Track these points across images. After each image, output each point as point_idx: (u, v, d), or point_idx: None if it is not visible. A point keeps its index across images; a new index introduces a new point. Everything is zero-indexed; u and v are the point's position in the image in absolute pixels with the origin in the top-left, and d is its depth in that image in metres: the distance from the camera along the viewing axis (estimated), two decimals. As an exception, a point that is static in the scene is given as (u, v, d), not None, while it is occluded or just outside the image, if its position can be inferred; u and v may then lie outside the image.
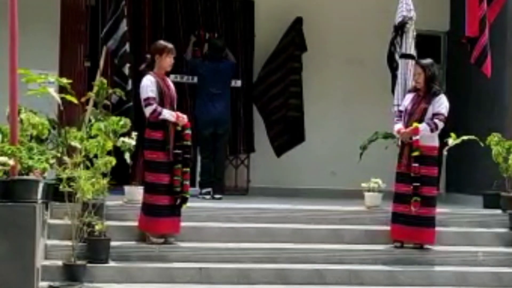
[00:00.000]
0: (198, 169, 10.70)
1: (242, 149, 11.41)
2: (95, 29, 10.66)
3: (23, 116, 7.52)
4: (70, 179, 7.34)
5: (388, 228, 8.50)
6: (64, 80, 7.96)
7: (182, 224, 8.05)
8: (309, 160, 11.52)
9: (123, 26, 8.82)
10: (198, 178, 10.59)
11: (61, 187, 7.34)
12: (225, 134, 10.49)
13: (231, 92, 10.75)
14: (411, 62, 9.17)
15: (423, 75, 8.43)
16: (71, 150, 7.83)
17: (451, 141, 9.25)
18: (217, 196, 10.16)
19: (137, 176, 9.61)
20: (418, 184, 8.21)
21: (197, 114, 10.40)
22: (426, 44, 10.76)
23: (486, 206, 9.64)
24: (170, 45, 8.16)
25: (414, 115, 8.41)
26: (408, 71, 9.23)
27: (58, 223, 7.71)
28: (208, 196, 10.14)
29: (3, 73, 7.05)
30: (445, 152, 9.34)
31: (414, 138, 8.28)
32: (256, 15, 11.50)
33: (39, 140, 7.73)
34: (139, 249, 7.85)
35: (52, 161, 7.29)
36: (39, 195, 6.81)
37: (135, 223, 8.03)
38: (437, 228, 8.43)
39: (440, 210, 8.71)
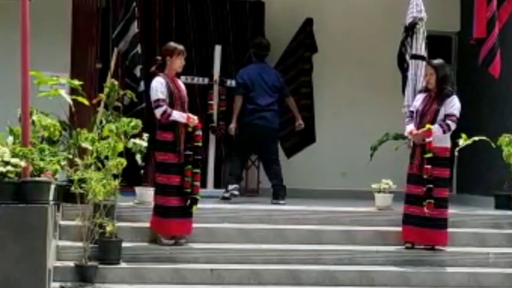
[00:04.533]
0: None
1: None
2: (106, 31, 10.70)
3: (34, 117, 7.57)
4: (81, 181, 7.37)
5: (399, 229, 8.48)
6: (76, 82, 7.97)
7: (194, 225, 8.06)
8: (320, 161, 11.52)
9: (134, 28, 8.83)
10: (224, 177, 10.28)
11: (72, 188, 7.37)
12: (270, 143, 10.00)
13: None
14: (421, 63, 9.16)
15: (435, 75, 8.37)
16: (82, 152, 7.85)
17: (462, 141, 9.22)
18: (281, 201, 9.66)
19: (148, 177, 9.62)
20: (431, 185, 8.19)
21: (242, 123, 10.01)
22: (437, 44, 10.74)
23: (498, 207, 9.61)
24: (180, 47, 8.18)
25: (426, 116, 8.35)
26: (419, 71, 9.21)
27: (70, 224, 7.74)
28: (236, 192, 9.78)
29: (15, 75, 7.09)
30: (456, 153, 9.31)
31: (427, 140, 8.24)
32: (267, 16, 11.50)
33: (51, 141, 7.77)
34: (150, 250, 7.86)
35: (63, 162, 7.31)
36: (51, 197, 6.83)
37: (146, 224, 8.04)
38: (448, 229, 8.41)
39: (451, 211, 8.68)
